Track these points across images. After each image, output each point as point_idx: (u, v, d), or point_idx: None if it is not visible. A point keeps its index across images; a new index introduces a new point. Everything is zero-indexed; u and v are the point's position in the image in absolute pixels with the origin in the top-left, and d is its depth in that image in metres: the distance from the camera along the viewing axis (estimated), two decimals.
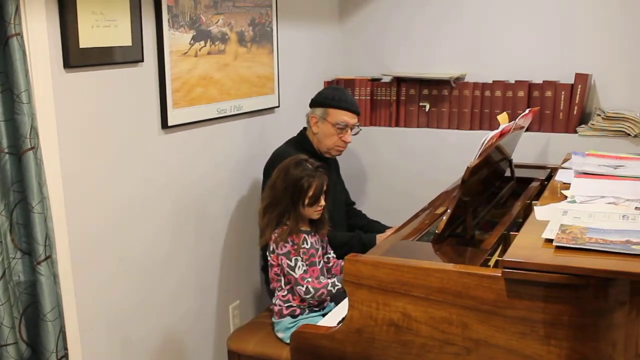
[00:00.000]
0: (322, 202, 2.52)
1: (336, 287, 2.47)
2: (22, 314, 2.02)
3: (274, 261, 2.52)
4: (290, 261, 2.47)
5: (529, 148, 3.27)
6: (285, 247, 2.48)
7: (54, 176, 2.10)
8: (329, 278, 2.56)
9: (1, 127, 1.92)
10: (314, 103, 3.02)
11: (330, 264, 2.69)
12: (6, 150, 1.94)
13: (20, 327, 2.01)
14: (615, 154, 2.82)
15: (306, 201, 2.49)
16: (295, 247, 2.48)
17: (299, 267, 2.47)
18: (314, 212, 2.52)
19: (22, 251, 2.00)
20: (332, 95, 2.98)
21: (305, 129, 3.05)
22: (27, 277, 2.02)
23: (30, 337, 2.05)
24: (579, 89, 3.26)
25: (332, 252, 2.72)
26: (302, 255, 2.48)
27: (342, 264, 2.17)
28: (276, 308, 2.57)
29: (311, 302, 2.52)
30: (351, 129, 2.98)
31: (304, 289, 2.46)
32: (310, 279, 2.47)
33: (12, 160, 1.95)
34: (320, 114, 2.97)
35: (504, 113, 2.63)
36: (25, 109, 1.89)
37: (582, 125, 3.29)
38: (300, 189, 2.47)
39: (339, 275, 2.51)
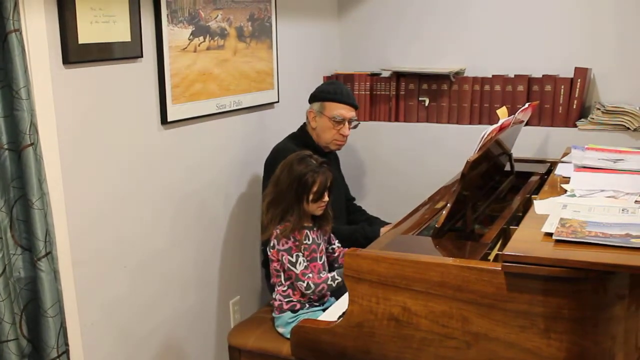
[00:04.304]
0: (326, 198, 2.52)
1: (336, 281, 2.47)
2: (22, 310, 2.02)
3: (274, 256, 2.52)
4: (292, 257, 2.47)
5: (528, 142, 3.27)
6: (287, 243, 2.48)
7: (54, 172, 2.10)
8: (336, 269, 2.57)
9: (0, 123, 1.92)
10: (312, 98, 3.03)
11: (336, 254, 2.69)
12: (6, 147, 1.94)
13: (21, 323, 2.01)
14: (615, 147, 2.82)
15: (310, 197, 2.48)
16: (297, 243, 2.48)
17: (300, 262, 2.47)
18: (317, 208, 2.52)
19: (23, 247, 2.01)
20: (329, 89, 2.99)
21: (305, 124, 3.05)
22: (28, 273, 2.02)
23: (31, 333, 2.05)
24: (578, 83, 3.26)
25: (336, 241, 2.71)
26: (303, 251, 2.49)
27: None
28: (276, 303, 2.57)
29: (312, 297, 2.53)
30: (349, 123, 2.98)
31: (304, 284, 2.46)
32: (311, 275, 2.48)
33: (12, 156, 1.95)
34: (318, 108, 2.97)
35: (504, 107, 2.63)
36: (25, 105, 1.89)
37: (582, 119, 3.28)
38: (305, 185, 2.47)
39: (340, 269, 2.51)
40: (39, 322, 2.02)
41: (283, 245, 2.48)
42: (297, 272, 2.46)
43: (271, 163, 2.85)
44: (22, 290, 2.02)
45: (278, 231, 2.49)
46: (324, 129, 2.97)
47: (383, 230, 2.85)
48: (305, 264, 2.48)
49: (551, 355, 1.74)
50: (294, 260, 2.47)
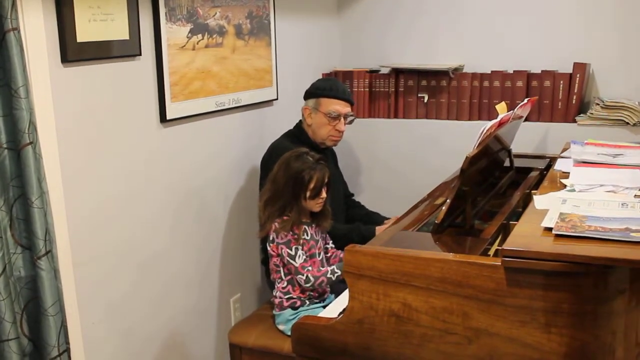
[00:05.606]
0: (324, 195, 2.52)
1: (336, 274, 2.46)
2: (23, 309, 2.02)
3: (274, 251, 2.52)
4: (291, 250, 2.47)
5: (528, 138, 3.27)
6: (286, 236, 2.48)
7: (53, 171, 2.10)
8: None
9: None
10: (307, 95, 3.03)
11: (329, 255, 2.70)
12: (5, 146, 1.93)
13: (22, 322, 2.02)
14: (614, 142, 2.82)
15: (307, 194, 2.49)
16: (296, 236, 2.48)
17: (299, 255, 2.47)
18: (315, 205, 2.52)
19: (23, 246, 2.01)
20: (323, 86, 2.99)
21: (301, 121, 3.05)
22: (28, 272, 2.02)
23: (32, 332, 2.05)
24: (577, 78, 3.25)
25: (331, 242, 2.72)
26: (302, 246, 2.49)
27: (341, 255, 2.17)
28: (277, 300, 2.58)
29: (311, 292, 2.53)
30: (344, 118, 2.98)
31: (304, 277, 2.46)
32: (310, 268, 2.48)
33: (11, 155, 1.94)
34: (313, 104, 2.97)
35: (503, 102, 2.63)
36: (24, 104, 1.89)
37: (581, 115, 3.28)
38: (302, 182, 2.47)
39: (340, 263, 2.51)
40: (39, 321, 2.02)
41: (282, 239, 2.48)
42: (297, 264, 2.47)
43: (267, 160, 2.86)
44: (22, 289, 2.02)
45: (277, 224, 2.50)
46: (319, 125, 2.97)
47: (379, 229, 2.85)
48: (304, 257, 2.49)
49: (552, 349, 1.74)
50: (293, 253, 2.47)
